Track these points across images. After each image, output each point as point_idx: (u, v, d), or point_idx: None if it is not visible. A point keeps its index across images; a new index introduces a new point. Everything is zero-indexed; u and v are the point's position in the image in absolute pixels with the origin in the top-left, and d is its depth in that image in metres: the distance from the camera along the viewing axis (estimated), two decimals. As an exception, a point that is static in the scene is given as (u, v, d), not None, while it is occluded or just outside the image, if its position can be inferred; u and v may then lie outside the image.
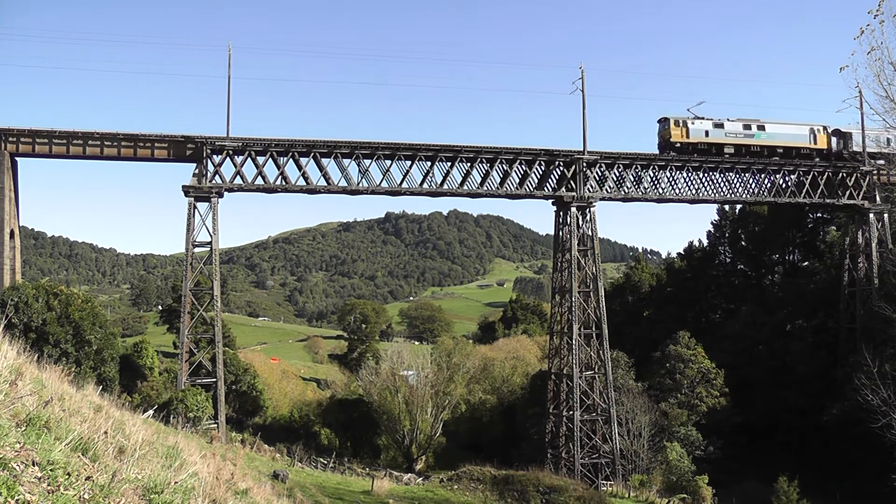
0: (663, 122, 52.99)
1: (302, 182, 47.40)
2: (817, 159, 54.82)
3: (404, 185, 48.84)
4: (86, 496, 5.51)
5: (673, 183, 53.74)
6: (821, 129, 55.11)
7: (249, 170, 46.76)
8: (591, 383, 49.98)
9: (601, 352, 49.99)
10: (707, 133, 52.72)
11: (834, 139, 56.08)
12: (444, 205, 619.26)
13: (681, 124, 52.33)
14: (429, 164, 49.09)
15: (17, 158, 45.30)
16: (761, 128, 53.68)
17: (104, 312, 58.62)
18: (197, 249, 46.30)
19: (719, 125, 52.96)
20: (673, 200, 54.53)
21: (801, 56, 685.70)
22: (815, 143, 54.60)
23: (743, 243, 78.67)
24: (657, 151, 53.45)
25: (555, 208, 51.72)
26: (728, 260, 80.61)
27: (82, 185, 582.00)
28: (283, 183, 47.17)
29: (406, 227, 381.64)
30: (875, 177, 56.31)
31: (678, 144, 52.09)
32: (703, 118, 52.92)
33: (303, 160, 47.19)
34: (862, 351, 42.39)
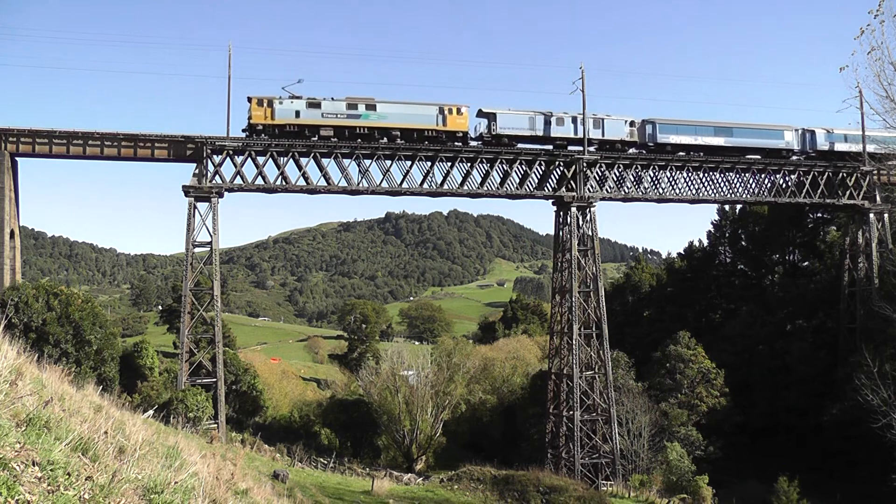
0: (250, 101, 46.54)
1: (302, 182, 47.40)
2: (455, 143, 48.67)
3: (404, 185, 48.84)
4: (86, 496, 5.51)
5: (673, 183, 53.74)
6: (455, 108, 48.31)
7: (249, 170, 46.84)
8: (592, 383, 49.97)
9: (601, 352, 49.98)
10: (298, 114, 46.36)
11: (483, 120, 49.64)
12: (444, 205, 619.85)
13: (265, 104, 46.00)
14: (429, 164, 49.09)
15: (17, 158, 45.29)
16: (371, 107, 47.35)
17: (104, 312, 58.60)
18: (197, 249, 46.30)
19: (315, 104, 46.53)
20: (673, 200, 54.53)
21: (802, 56, 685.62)
22: (445, 124, 48.04)
23: (743, 243, 78.70)
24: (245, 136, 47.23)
25: (555, 208, 51.72)
26: (728, 260, 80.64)
27: (82, 185, 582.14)
28: (283, 183, 47.17)
29: (406, 227, 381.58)
30: (875, 177, 56.32)
31: (260, 126, 45.99)
32: (298, 97, 46.67)
33: (303, 160, 47.20)
34: (862, 351, 42.38)
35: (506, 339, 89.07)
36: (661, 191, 53.48)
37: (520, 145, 50.14)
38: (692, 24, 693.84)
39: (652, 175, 52.92)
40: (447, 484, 39.97)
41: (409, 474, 47.62)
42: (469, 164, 49.73)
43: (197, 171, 45.67)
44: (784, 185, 55.59)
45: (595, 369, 50.16)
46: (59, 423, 7.03)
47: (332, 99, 47.10)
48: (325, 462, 47.10)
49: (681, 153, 52.88)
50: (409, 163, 48.85)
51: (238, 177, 46.42)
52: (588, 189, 50.78)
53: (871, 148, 52.70)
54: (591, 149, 50.26)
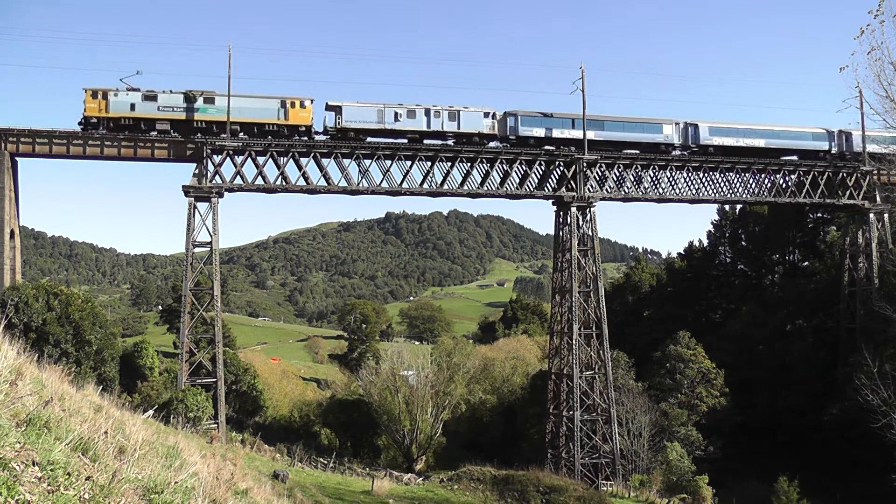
0: (85, 93, 45.02)
1: (302, 182, 47.41)
2: (303, 137, 47.19)
3: (404, 185, 48.85)
4: (86, 496, 5.51)
5: (673, 183, 53.75)
6: (298, 102, 46.90)
7: (249, 170, 46.85)
8: (592, 383, 49.97)
9: (601, 352, 49.98)
10: (133, 106, 44.88)
11: (330, 114, 48.01)
12: (445, 205, 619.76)
13: (99, 96, 44.45)
14: (429, 164, 49.10)
15: (17, 158, 45.29)
16: (210, 100, 45.71)
17: (104, 312, 58.62)
18: (197, 249, 46.30)
19: (151, 97, 45.02)
20: (673, 200, 54.55)
21: (802, 56, 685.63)
22: (287, 118, 46.64)
23: (743, 243, 78.68)
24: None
25: (555, 208, 51.73)
26: (728, 260, 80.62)
27: (82, 185, 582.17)
28: (283, 183, 47.18)
29: (406, 227, 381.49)
30: (875, 177, 56.33)
31: (94, 119, 44.50)
32: (136, 89, 45.13)
33: (303, 160, 47.21)
34: (862, 351, 42.36)
35: (506, 339, 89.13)
36: (661, 191, 53.48)
37: (370, 139, 47.89)
38: (692, 23, 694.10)
39: (652, 175, 52.93)
40: (447, 484, 39.98)
41: (409, 474, 47.61)
42: (469, 164, 49.76)
43: (197, 171, 45.67)
44: (784, 185, 55.60)
45: (595, 369, 50.16)
46: (59, 423, 7.03)
47: (171, 91, 45.54)
48: (325, 462, 47.09)
49: (549, 147, 50.30)
50: (409, 163, 48.88)
51: (238, 177, 46.43)
52: (588, 189, 50.78)
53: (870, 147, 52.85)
54: (450, 142, 48.70)
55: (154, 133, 45.94)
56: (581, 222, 50.74)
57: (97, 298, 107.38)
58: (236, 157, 46.47)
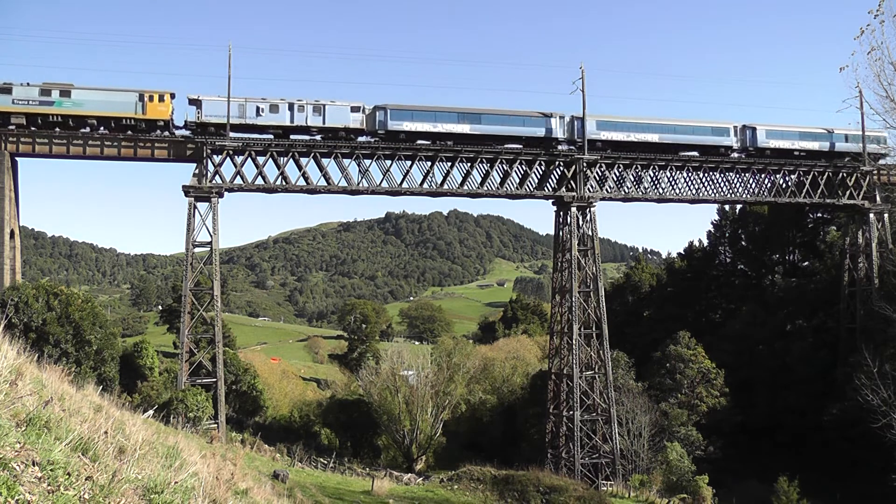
0: None
1: (302, 182, 47.42)
2: (162, 132, 46.07)
3: (404, 185, 48.86)
4: (86, 496, 5.51)
5: (673, 183, 53.76)
6: (157, 95, 45.19)
7: (249, 170, 46.88)
8: (592, 383, 49.98)
9: (601, 352, 49.98)
10: None
11: (194, 108, 46.36)
12: (445, 205, 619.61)
13: None
14: (429, 164, 49.11)
15: (17, 158, 45.31)
16: (66, 94, 44.35)
17: (104, 312, 58.61)
18: (197, 249, 46.31)
19: (5, 90, 43.76)
20: (673, 200, 54.56)
21: (802, 56, 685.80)
22: (145, 112, 45.09)
23: (743, 243, 78.71)
24: None
25: (555, 208, 51.74)
26: (728, 260, 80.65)
27: (82, 185, 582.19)
28: (283, 183, 47.19)
29: (406, 227, 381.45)
30: (875, 177, 56.34)
31: None
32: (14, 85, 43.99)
33: (303, 160, 47.23)
34: (862, 351, 42.37)
35: (506, 339, 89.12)
36: (661, 191, 53.50)
37: (233, 133, 46.52)
38: (692, 23, 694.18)
39: (652, 175, 52.94)
40: (447, 484, 39.97)
41: (409, 474, 47.62)
42: (469, 164, 49.77)
43: (197, 171, 45.68)
44: (784, 185, 55.61)
45: (595, 369, 50.16)
46: (59, 423, 7.03)
47: (28, 84, 44.32)
48: (325, 462, 47.09)
49: (422, 141, 49.11)
50: (408, 163, 48.89)
51: (238, 177, 46.45)
52: (588, 189, 50.78)
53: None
54: (318, 137, 47.37)
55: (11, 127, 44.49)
56: (581, 222, 50.74)
57: (97, 298, 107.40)
58: (236, 157, 46.49)
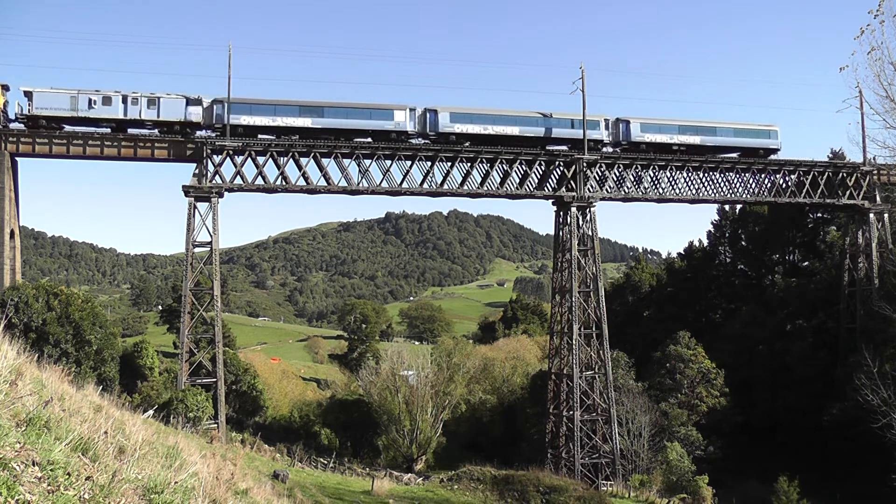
0: None
1: (302, 182, 47.42)
2: None
3: (404, 185, 48.86)
4: (86, 496, 5.51)
5: (673, 183, 53.77)
6: None
7: (249, 170, 46.87)
8: (592, 383, 49.98)
9: (601, 352, 49.99)
10: None
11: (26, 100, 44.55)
12: (445, 205, 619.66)
13: None
14: (429, 164, 49.11)
15: (17, 158, 45.30)
16: None
17: (104, 312, 58.59)
18: (197, 249, 46.31)
19: None
20: (673, 200, 54.57)
21: (802, 56, 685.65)
22: None
23: (743, 243, 78.72)
24: None
25: (555, 208, 51.75)
26: (728, 260, 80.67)
27: (82, 185, 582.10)
28: (283, 183, 47.19)
29: (406, 227, 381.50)
30: (875, 177, 56.34)
31: None
32: None
33: (303, 160, 47.23)
34: (862, 351, 42.41)
35: (506, 339, 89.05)
36: (661, 191, 53.50)
37: (68, 127, 45.14)
38: (691, 23, 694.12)
39: (652, 175, 52.94)
40: (447, 484, 39.96)
41: (409, 474, 47.62)
42: (469, 164, 49.77)
43: (197, 171, 45.69)
44: (784, 185, 55.61)
45: (595, 369, 50.17)
46: (59, 423, 7.04)
47: None
48: (325, 462, 47.10)
49: (264, 136, 47.52)
50: (409, 163, 48.89)
51: (238, 177, 46.45)
52: (588, 189, 50.78)
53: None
54: (156, 131, 46.08)
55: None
56: (581, 222, 50.74)
57: (97, 298, 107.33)
58: (236, 157, 46.50)
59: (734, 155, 54.54)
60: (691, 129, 53.61)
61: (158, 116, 45.81)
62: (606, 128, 52.18)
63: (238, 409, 58.73)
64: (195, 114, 46.32)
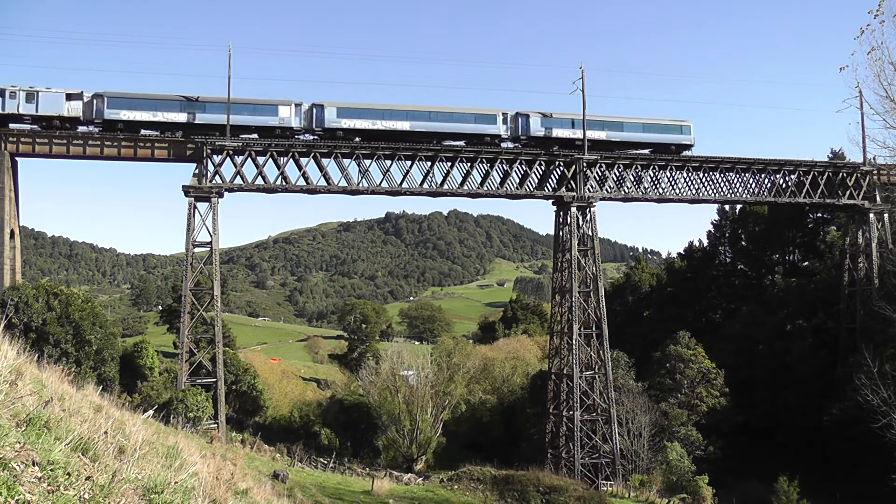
0: None
1: (302, 182, 47.43)
2: None
3: (404, 185, 48.86)
4: (86, 496, 5.51)
5: (673, 183, 53.76)
6: None
7: (249, 170, 46.87)
8: (592, 383, 49.98)
9: (601, 352, 49.99)
10: None
11: None
12: (445, 205, 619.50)
13: None
14: (429, 164, 49.12)
15: (17, 158, 45.31)
16: None
17: (104, 312, 58.59)
18: (197, 249, 46.31)
19: None
20: (673, 200, 54.57)
21: (802, 56, 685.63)
22: None
23: (743, 243, 78.72)
24: None
25: (555, 208, 51.75)
26: (728, 260, 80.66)
27: (82, 185, 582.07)
28: (283, 183, 47.19)
29: (406, 227, 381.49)
30: (875, 177, 56.34)
31: None
32: None
33: (303, 160, 47.23)
34: (862, 351, 42.42)
35: (506, 339, 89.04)
36: (661, 191, 53.50)
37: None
38: (691, 23, 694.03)
39: (652, 175, 52.94)
40: (447, 484, 39.96)
41: (409, 474, 47.61)
42: (469, 164, 49.78)
43: (197, 171, 45.69)
44: (784, 185, 55.61)
45: (595, 369, 50.17)
46: (59, 423, 7.04)
47: None
48: (325, 462, 47.10)
49: (146, 131, 46.51)
50: (409, 163, 48.90)
51: (238, 177, 46.45)
52: (588, 189, 50.78)
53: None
54: (36, 126, 44.85)
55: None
56: (581, 222, 50.74)
57: (97, 298, 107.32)
58: (236, 157, 46.50)
59: (646, 151, 52.91)
60: (596, 123, 51.74)
61: (37, 111, 44.51)
62: (504, 122, 50.42)
63: (238, 409, 58.74)
64: (75, 108, 45.05)
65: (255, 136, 47.61)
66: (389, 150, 48.15)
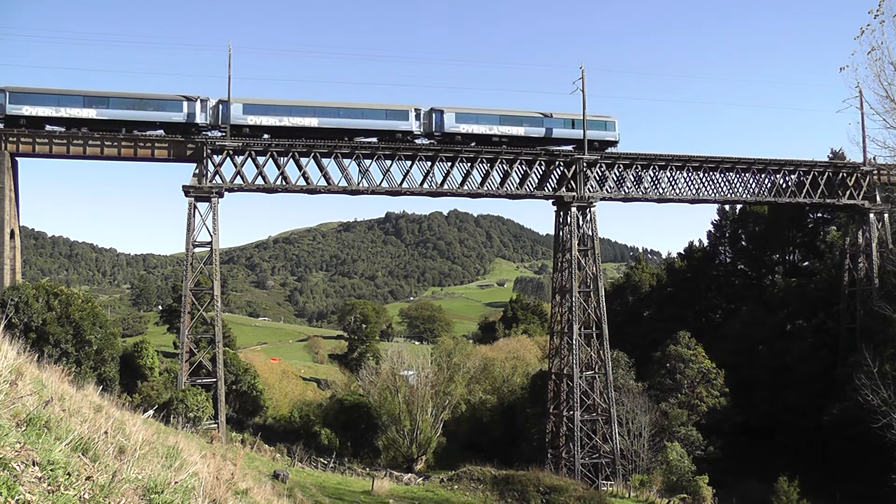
0: None
1: (302, 182, 47.42)
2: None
3: (404, 185, 48.86)
4: (86, 496, 5.51)
5: (673, 183, 53.76)
6: None
7: (249, 170, 46.87)
8: (592, 383, 49.98)
9: (601, 352, 49.98)
10: None
11: None
12: (445, 205, 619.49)
13: None
14: (429, 164, 49.11)
15: (17, 158, 45.30)
16: None
17: (104, 312, 58.53)
18: (197, 249, 46.31)
19: None
20: (673, 200, 54.55)
21: (802, 56, 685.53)
22: None
23: (743, 243, 78.72)
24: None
25: (555, 208, 51.74)
26: (728, 260, 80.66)
27: (82, 185, 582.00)
28: (284, 183, 47.19)
29: (406, 227, 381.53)
30: (875, 177, 56.34)
31: None
32: None
33: (303, 160, 47.23)
34: (862, 351, 42.41)
35: (506, 339, 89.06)
36: (661, 191, 53.50)
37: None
38: (691, 23, 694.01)
39: (652, 175, 52.93)
40: (447, 484, 39.96)
41: (409, 474, 47.61)
42: (469, 164, 49.77)
43: (197, 171, 45.69)
44: (784, 185, 55.60)
45: (595, 369, 50.16)
46: (59, 423, 7.04)
47: None
48: (325, 462, 47.09)
49: (52, 127, 45.21)
50: (409, 163, 48.89)
51: (238, 177, 46.45)
52: (588, 189, 50.78)
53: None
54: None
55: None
56: (581, 222, 50.73)
57: (97, 298, 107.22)
58: (236, 157, 46.50)
59: (569, 147, 51.03)
60: (514, 119, 50.55)
61: None
62: (417, 118, 48.88)
63: (238, 409, 58.74)
64: None
65: (161, 132, 46.49)
66: (389, 150, 48.11)
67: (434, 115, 49.28)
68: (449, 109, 49.40)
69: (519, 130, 50.38)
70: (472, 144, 49.74)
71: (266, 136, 47.48)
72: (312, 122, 47.70)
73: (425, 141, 49.55)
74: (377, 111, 48.80)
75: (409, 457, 54.54)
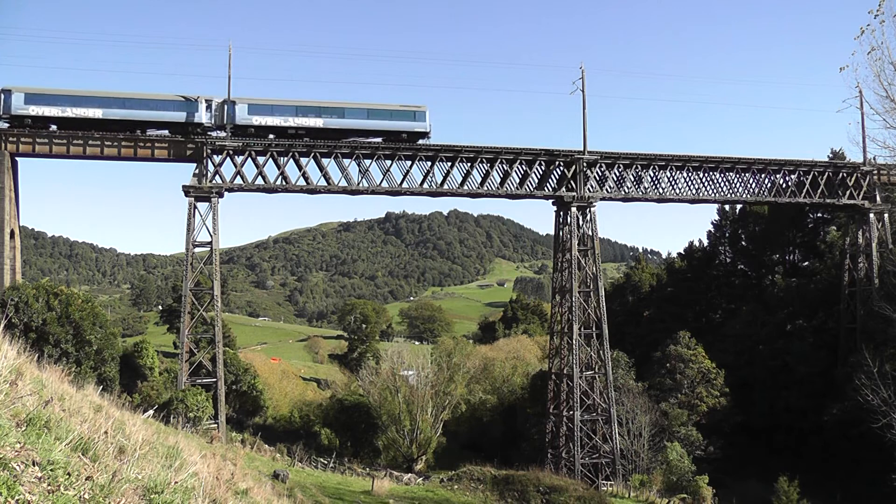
0: None
1: (302, 182, 47.43)
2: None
3: (404, 185, 48.86)
4: (86, 496, 5.51)
5: (673, 183, 53.75)
6: None
7: (250, 170, 46.88)
8: (592, 383, 49.97)
9: (601, 352, 49.99)
10: None
11: None
12: (445, 205, 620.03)
13: None
14: (429, 164, 49.11)
15: (17, 158, 45.30)
16: None
17: (104, 312, 58.51)
18: (197, 249, 46.32)
19: None
20: (673, 200, 54.55)
21: (802, 56, 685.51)
22: None
23: (743, 243, 78.72)
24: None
25: (555, 208, 51.75)
26: (728, 260, 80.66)
27: (82, 185, 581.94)
28: (284, 183, 47.20)
29: (406, 227, 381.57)
30: (875, 177, 56.34)
31: None
32: None
33: (303, 160, 47.24)
34: (862, 351, 42.45)
35: (506, 339, 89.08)
36: (661, 191, 53.49)
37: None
38: (691, 23, 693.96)
39: (652, 175, 52.93)
40: (447, 484, 39.96)
41: (409, 474, 47.61)
42: (469, 164, 49.78)
43: (197, 171, 45.70)
44: (784, 185, 55.59)
45: (595, 369, 50.16)
46: (59, 423, 7.03)
47: None
48: (325, 462, 47.10)
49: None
50: (409, 163, 48.89)
51: (238, 177, 46.46)
52: (588, 189, 50.79)
53: None
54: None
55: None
56: (581, 222, 50.74)
57: (97, 298, 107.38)
58: (236, 157, 46.51)
59: (378, 140, 49.03)
60: (312, 110, 48.68)
61: None
62: (209, 110, 47.10)
63: (238, 409, 58.76)
64: None
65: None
66: (389, 150, 48.12)
67: (226, 107, 47.22)
68: (241, 101, 47.64)
69: (317, 122, 48.35)
70: (270, 137, 47.99)
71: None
72: (97, 113, 45.60)
73: (222, 133, 47.43)
74: (165, 102, 46.64)
75: (409, 457, 54.53)
